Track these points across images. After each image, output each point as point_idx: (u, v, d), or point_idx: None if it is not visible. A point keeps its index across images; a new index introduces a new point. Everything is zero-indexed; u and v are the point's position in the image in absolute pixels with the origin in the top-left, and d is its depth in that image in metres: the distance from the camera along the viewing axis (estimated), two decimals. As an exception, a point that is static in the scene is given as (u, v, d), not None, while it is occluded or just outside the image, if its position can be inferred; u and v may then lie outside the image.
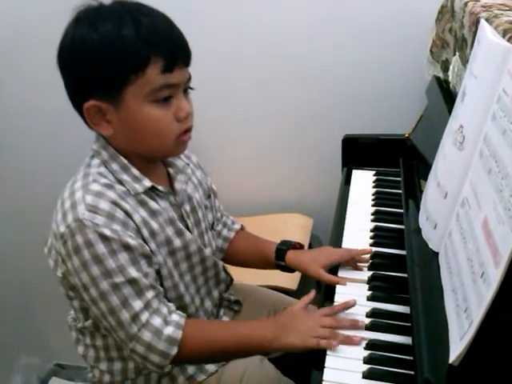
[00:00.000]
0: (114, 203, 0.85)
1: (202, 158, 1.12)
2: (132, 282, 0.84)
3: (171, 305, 0.89)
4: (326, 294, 0.95)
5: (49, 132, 1.70)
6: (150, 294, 0.85)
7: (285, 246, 1.07)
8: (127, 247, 0.84)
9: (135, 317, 0.84)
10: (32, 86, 1.64)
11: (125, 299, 0.83)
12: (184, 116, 0.87)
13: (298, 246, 1.09)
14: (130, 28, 0.82)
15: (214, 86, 1.51)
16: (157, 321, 0.85)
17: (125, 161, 0.89)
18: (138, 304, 0.84)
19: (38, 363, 1.92)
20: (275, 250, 1.07)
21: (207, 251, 1.01)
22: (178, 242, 0.94)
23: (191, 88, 0.91)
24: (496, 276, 0.55)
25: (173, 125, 0.87)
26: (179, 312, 0.89)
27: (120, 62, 0.82)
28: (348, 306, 0.88)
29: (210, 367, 1.00)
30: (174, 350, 0.85)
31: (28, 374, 1.88)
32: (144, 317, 0.84)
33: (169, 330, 0.85)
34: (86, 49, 0.83)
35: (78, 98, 0.86)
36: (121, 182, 0.88)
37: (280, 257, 1.06)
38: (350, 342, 0.82)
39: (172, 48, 0.85)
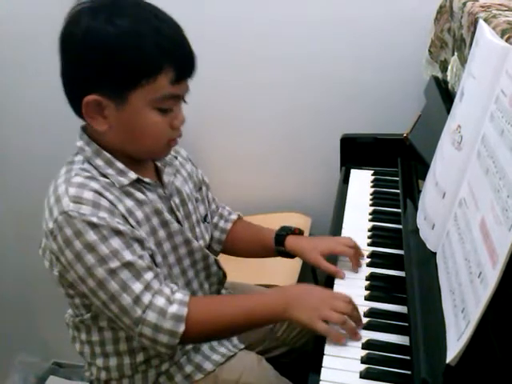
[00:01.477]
0: (98, 192, 0.84)
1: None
2: (128, 265, 0.83)
3: (173, 285, 0.88)
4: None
5: (50, 131, 1.69)
6: (148, 276, 0.84)
7: (284, 232, 1.07)
8: (118, 232, 0.83)
9: (137, 299, 0.83)
10: (34, 85, 1.64)
11: (123, 283, 0.83)
12: (178, 125, 0.90)
13: (298, 232, 1.09)
14: (148, 30, 0.81)
15: (215, 86, 1.51)
16: (160, 301, 0.84)
17: (108, 155, 0.88)
18: (137, 286, 0.83)
19: (35, 362, 1.92)
20: (274, 236, 1.08)
21: (199, 244, 1.00)
22: (162, 233, 0.93)
23: (185, 101, 0.92)
24: (493, 276, 0.55)
25: (167, 131, 0.89)
26: (182, 290, 0.88)
27: (133, 62, 0.81)
28: (358, 318, 0.85)
29: (208, 366, 1.00)
30: (182, 328, 0.84)
31: (26, 372, 1.88)
32: (146, 298, 0.83)
33: (173, 308, 0.84)
34: (100, 42, 0.81)
35: (79, 89, 0.84)
36: (105, 176, 0.88)
37: (280, 242, 1.06)
38: (353, 335, 0.81)
39: (184, 61, 0.86)
